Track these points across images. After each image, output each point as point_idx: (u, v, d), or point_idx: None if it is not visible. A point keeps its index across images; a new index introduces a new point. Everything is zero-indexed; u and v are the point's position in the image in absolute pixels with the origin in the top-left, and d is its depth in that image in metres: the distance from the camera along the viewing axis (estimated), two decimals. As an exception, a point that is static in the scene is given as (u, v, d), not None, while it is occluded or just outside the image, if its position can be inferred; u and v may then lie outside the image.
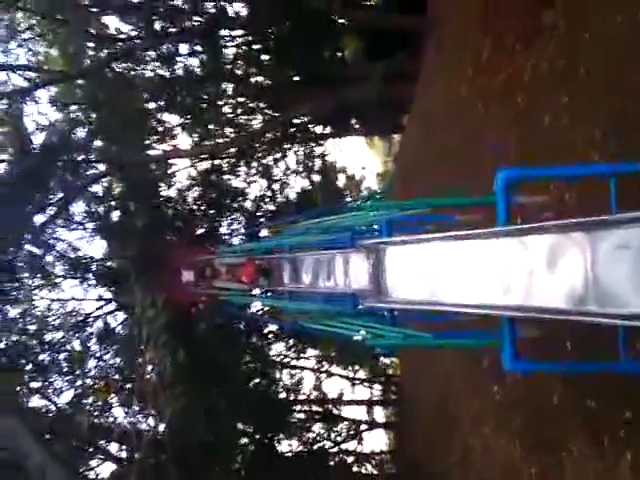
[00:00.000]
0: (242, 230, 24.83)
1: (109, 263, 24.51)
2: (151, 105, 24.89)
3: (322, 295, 9.46)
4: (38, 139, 21.87)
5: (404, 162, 21.73)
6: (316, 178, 26.58)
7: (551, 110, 8.06)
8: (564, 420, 6.87)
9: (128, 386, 22.71)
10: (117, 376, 23.06)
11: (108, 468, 20.11)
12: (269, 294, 15.47)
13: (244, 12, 24.26)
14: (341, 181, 27.88)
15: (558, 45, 8.40)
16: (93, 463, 19.96)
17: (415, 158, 17.99)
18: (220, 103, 26.02)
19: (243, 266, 12.02)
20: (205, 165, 25.18)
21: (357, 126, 27.61)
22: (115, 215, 24.18)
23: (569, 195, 6.82)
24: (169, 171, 24.81)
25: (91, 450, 20.31)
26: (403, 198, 14.92)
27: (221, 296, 16.23)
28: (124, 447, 19.93)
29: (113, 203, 24.19)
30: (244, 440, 21.82)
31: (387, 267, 6.22)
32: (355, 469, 23.57)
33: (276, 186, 25.85)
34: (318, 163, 26.76)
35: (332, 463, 23.25)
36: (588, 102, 7.23)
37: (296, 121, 25.22)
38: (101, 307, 24.03)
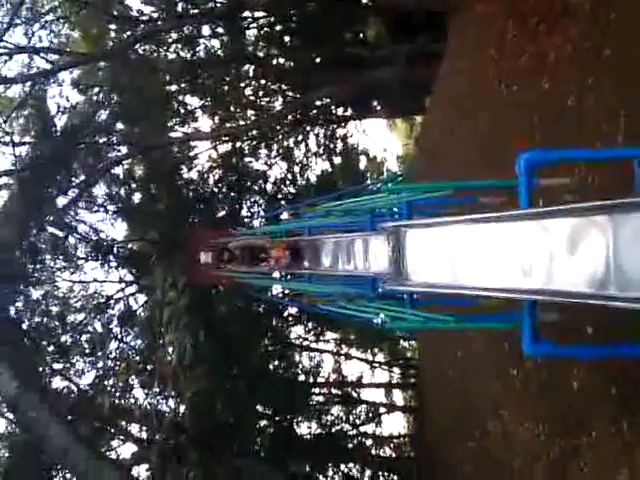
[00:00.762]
0: (262, 212, 24.84)
1: (130, 245, 24.71)
2: (173, 87, 24.93)
3: (342, 278, 9.40)
4: (61, 122, 22.02)
5: (426, 144, 21.49)
6: (337, 161, 26.45)
7: (575, 92, 7.92)
8: (584, 405, 6.83)
9: (149, 368, 23.09)
10: (138, 358, 23.29)
11: (129, 449, 20.41)
12: (289, 276, 15.48)
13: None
14: (362, 163, 27.75)
15: (583, 25, 8.25)
16: (114, 444, 20.26)
17: (437, 140, 17.77)
18: (242, 85, 25.98)
19: (275, 248, 11.83)
20: (226, 147, 25.19)
21: (379, 108, 27.41)
22: (137, 197, 24.35)
23: (592, 178, 6.72)
24: (190, 153, 24.84)
25: (112, 431, 20.62)
26: (424, 181, 14.56)
27: (241, 278, 16.17)
28: (145, 428, 20.21)
29: (135, 185, 24.33)
30: (263, 422, 21.98)
31: (407, 250, 6.11)
32: (373, 452, 23.67)
33: (297, 169, 25.78)
34: (339, 145, 26.64)
35: (350, 446, 23.35)
36: (613, 84, 7.10)
37: (318, 103, 25.09)
38: (123, 289, 24.23)
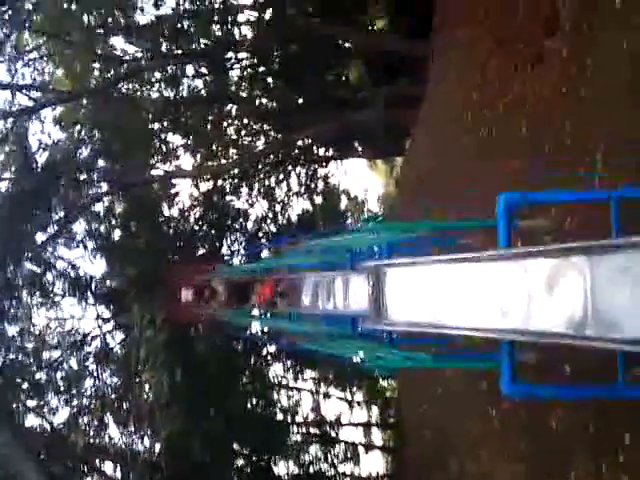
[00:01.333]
0: (243, 250, 24.81)
1: (109, 282, 24.51)
2: (155, 125, 25.05)
3: (322, 316, 9.37)
4: (42, 158, 22.00)
5: (406, 185, 21.71)
6: (318, 200, 26.61)
7: (553, 135, 8.12)
8: (563, 445, 6.84)
9: (125, 406, 22.73)
10: (114, 396, 22.96)
11: (103, 488, 20.00)
12: (268, 314, 15.46)
13: (250, 35, 24.56)
14: (343, 203, 27.95)
15: (560, 70, 8.49)
16: (88, 483, 19.87)
17: (416, 181, 17.96)
18: (224, 124, 26.19)
19: (260, 285, 11.76)
20: (207, 185, 25.22)
21: (360, 149, 27.76)
22: (116, 234, 24.24)
23: (571, 219, 6.86)
24: (171, 191, 24.86)
25: (86, 470, 20.22)
26: (405, 220, 14.89)
27: (220, 316, 15.98)
28: (119, 467, 19.85)
29: (115, 222, 24.25)
30: (241, 462, 21.65)
31: (387, 289, 6.16)
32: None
33: (278, 207, 25.87)
34: (320, 185, 26.82)
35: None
36: (589, 127, 7.29)
37: (299, 143, 25.34)
38: (100, 326, 23.92)
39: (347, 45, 23.93)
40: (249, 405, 23.06)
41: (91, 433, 20.42)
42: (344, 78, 25.41)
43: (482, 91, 11.83)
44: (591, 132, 7.24)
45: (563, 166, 7.58)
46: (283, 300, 10.41)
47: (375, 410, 26.25)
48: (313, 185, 26.71)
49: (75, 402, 21.60)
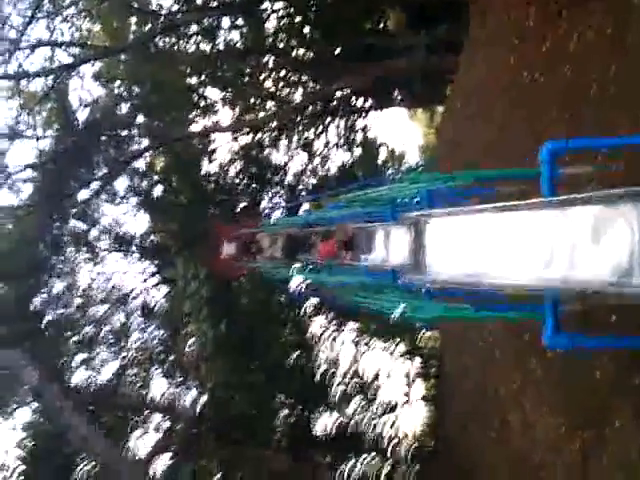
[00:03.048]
0: (283, 204, 24.80)
1: (152, 237, 24.87)
2: (193, 80, 24.98)
3: (363, 269, 9.25)
4: (83, 115, 22.20)
5: (447, 134, 21.21)
6: (357, 152, 26.33)
7: (598, 80, 7.82)
8: (607, 395, 6.75)
9: (171, 358, 23.28)
10: (160, 348, 23.49)
11: (151, 439, 20.63)
12: (309, 268, 15.44)
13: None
14: (383, 154, 27.57)
15: (605, 12, 8.12)
16: (136, 434, 20.49)
17: (458, 129, 17.52)
18: (261, 76, 25.96)
19: (324, 238, 10.96)
20: (246, 139, 25.18)
21: (400, 98, 27.24)
22: (158, 190, 24.48)
23: (615, 165, 6.64)
24: (211, 146, 24.90)
25: (135, 421, 20.87)
26: (446, 170, 14.88)
27: (262, 270, 15.88)
28: (166, 418, 20.43)
29: (156, 178, 24.46)
30: (284, 412, 22.03)
31: (427, 240, 6.08)
32: (394, 442, 23.61)
33: (317, 160, 25.74)
34: (360, 136, 26.51)
35: (372, 435, 23.30)
36: (635, 72, 6.99)
37: (338, 94, 25.00)
38: (145, 280, 24.43)
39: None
40: (291, 357, 23.28)
41: (139, 385, 20.99)
42: (382, 26, 24.80)
43: (524, 36, 11.43)
44: (637, 78, 6.93)
45: (608, 111, 7.32)
46: (347, 254, 9.85)
47: (417, 361, 26.25)
48: (352, 137, 26.37)
49: (123, 355, 22.23)
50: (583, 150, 5.56)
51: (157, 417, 20.64)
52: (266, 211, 25.03)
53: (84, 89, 22.83)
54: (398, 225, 7.19)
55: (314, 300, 24.22)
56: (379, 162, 26.20)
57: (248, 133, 25.24)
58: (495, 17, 14.36)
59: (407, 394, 24.65)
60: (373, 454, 22.04)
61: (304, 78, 26.24)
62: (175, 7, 23.53)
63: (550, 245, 4.31)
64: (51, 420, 17.67)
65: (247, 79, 25.39)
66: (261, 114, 25.75)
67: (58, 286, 22.36)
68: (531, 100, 10.56)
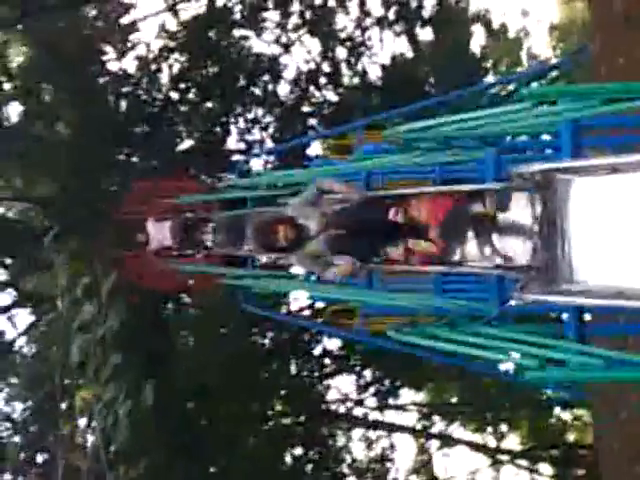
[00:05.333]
0: (270, 143, 13.45)
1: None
2: None
3: (434, 278, 5.53)
4: None
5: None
6: (424, 35, 14.15)
7: None
8: None
9: (43, 458, 14.24)
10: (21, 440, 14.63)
11: None
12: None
13: None
14: (477, 41, 15.42)
15: None
16: None
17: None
18: None
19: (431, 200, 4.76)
20: (196, 9, 12.90)
21: None
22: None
23: None
24: (122, 19, 12.88)
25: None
26: (604, 78, 8.39)
27: (231, 279, 8.08)
28: None
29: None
30: None
31: (572, 220, 3.63)
32: None
33: (342, 50, 13.78)
34: (430, 5, 13.92)
35: None
36: None
37: None
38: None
39: None
40: (289, 461, 14.21)
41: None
42: None
43: None
44: None
45: None
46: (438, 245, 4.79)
47: (546, 469, 15.07)
48: (415, 5, 13.78)
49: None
50: None
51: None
52: (236, 156, 13.51)
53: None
54: (508, 189, 4.17)
55: (333, 340, 14.73)
56: (470, 54, 14.71)
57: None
58: None
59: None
60: None
61: None
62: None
63: None
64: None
65: None
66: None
67: None
68: None
